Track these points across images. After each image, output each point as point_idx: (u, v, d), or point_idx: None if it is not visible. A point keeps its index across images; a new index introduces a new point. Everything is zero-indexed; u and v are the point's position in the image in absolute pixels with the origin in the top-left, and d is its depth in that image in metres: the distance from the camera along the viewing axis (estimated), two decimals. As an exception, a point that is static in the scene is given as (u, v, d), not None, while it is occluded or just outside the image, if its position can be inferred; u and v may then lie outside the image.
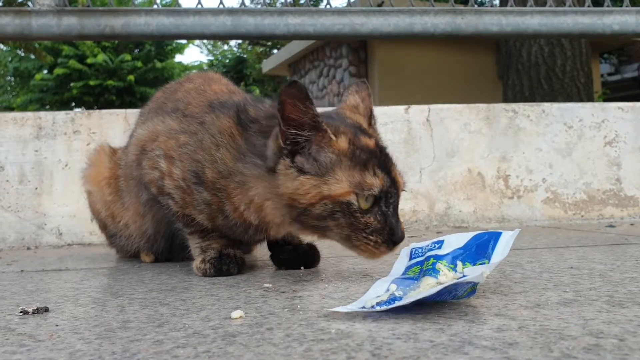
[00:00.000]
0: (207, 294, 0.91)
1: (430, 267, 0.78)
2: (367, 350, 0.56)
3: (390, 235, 0.93)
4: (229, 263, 1.09)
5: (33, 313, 0.80)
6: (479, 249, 0.80)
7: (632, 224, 2.03)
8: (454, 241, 0.82)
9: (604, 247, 1.37)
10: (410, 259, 0.85)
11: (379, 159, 0.94)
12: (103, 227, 1.41)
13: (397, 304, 0.70)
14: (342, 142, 0.94)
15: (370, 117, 1.08)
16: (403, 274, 0.82)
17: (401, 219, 0.97)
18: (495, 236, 0.80)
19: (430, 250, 0.83)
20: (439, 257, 0.80)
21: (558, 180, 2.20)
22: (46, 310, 0.81)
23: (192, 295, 0.91)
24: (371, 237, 0.93)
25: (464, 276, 0.74)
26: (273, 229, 1.06)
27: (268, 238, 1.16)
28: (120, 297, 0.92)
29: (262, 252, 1.50)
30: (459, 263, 0.78)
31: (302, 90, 0.90)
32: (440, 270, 0.77)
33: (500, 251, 0.78)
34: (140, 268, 1.28)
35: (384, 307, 0.70)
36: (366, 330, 0.64)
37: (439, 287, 0.70)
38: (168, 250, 1.33)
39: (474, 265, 0.77)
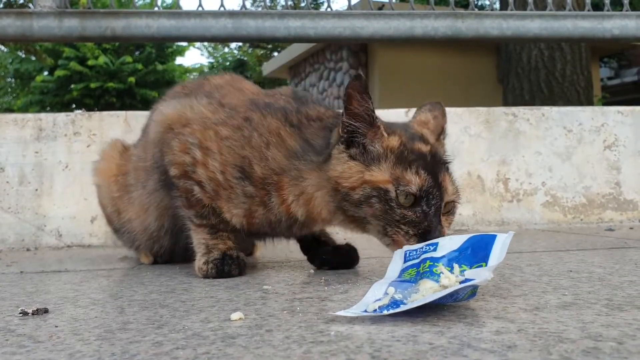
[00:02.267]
0: (206, 296, 0.91)
1: (428, 269, 0.78)
2: (366, 353, 0.56)
3: (425, 232, 0.94)
4: (231, 264, 1.09)
5: (33, 314, 0.80)
6: (474, 251, 0.80)
7: (631, 228, 2.03)
8: (449, 243, 0.82)
9: (603, 250, 1.37)
10: (405, 261, 0.84)
11: (426, 162, 0.97)
12: (110, 221, 1.43)
13: (402, 308, 0.70)
14: (393, 141, 0.98)
15: (441, 133, 1.11)
16: (399, 276, 0.82)
17: (448, 227, 0.98)
18: (490, 239, 0.80)
19: (425, 252, 0.82)
20: (435, 260, 0.80)
21: (558, 183, 2.20)
22: (46, 311, 0.81)
23: (192, 297, 0.91)
24: (403, 227, 0.95)
25: (466, 280, 0.73)
26: (313, 224, 1.09)
27: (299, 234, 1.18)
28: (120, 298, 0.92)
29: (262, 253, 1.51)
30: (455, 266, 0.78)
31: (364, 84, 0.97)
32: (442, 273, 0.76)
33: (497, 254, 0.78)
34: (139, 270, 1.28)
35: (388, 311, 0.70)
36: (365, 332, 0.64)
37: (445, 292, 0.70)
38: (171, 249, 1.32)
39: (471, 268, 0.77)
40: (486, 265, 0.77)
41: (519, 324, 0.65)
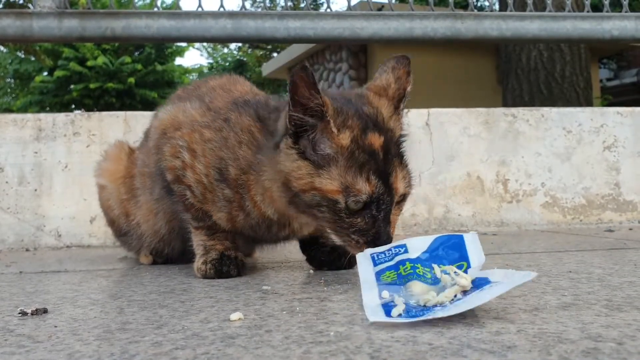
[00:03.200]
0: (206, 296, 0.91)
1: (411, 271, 0.78)
2: (365, 353, 0.56)
3: (374, 238, 0.92)
4: (229, 264, 1.09)
5: (32, 314, 0.80)
6: (446, 251, 0.80)
7: (630, 229, 2.03)
8: (417, 244, 0.82)
9: (603, 251, 1.37)
10: (375, 264, 0.83)
11: (378, 163, 0.92)
12: (112, 223, 1.41)
13: (439, 314, 0.67)
14: (344, 139, 0.92)
15: (401, 99, 1.00)
16: (378, 280, 0.81)
17: (395, 224, 0.96)
18: (458, 239, 0.81)
19: (397, 255, 0.82)
20: (413, 261, 0.79)
21: (557, 184, 2.20)
22: (45, 311, 0.81)
23: (191, 297, 0.91)
24: (353, 237, 0.93)
25: (483, 280, 0.73)
26: (290, 222, 1.07)
27: (293, 236, 1.16)
28: (119, 298, 0.92)
29: (261, 254, 1.51)
30: (435, 266, 0.78)
31: (310, 76, 0.90)
32: (448, 274, 0.76)
33: (476, 254, 0.78)
34: (139, 270, 1.28)
35: (420, 318, 0.67)
36: (365, 332, 0.64)
37: (481, 292, 0.69)
38: (181, 251, 1.31)
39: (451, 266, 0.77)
40: (468, 266, 0.77)
41: (518, 325, 0.65)
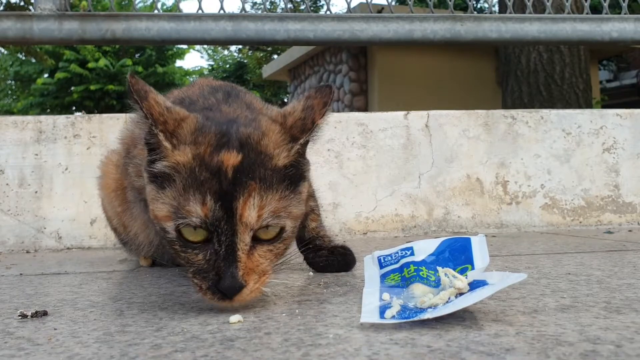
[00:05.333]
0: (205, 299, 0.91)
1: (415, 273, 0.78)
2: (364, 355, 0.57)
3: (216, 282, 0.74)
4: None
5: (32, 317, 0.80)
6: (453, 254, 0.80)
7: (630, 230, 2.03)
8: (424, 247, 0.82)
9: (602, 253, 1.38)
10: (381, 267, 0.83)
11: (221, 183, 0.74)
12: (115, 231, 1.40)
13: (427, 315, 0.67)
14: (182, 155, 0.76)
15: (304, 130, 0.81)
16: (382, 282, 0.81)
17: (269, 260, 0.78)
18: (465, 241, 0.81)
19: (403, 257, 0.82)
20: (417, 264, 0.80)
21: (556, 186, 2.20)
22: (45, 314, 0.81)
23: (191, 299, 0.91)
24: (195, 280, 0.77)
25: (481, 282, 0.73)
26: None
27: None
28: (119, 301, 0.92)
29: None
30: (439, 268, 0.78)
31: (136, 91, 0.77)
32: (448, 276, 0.76)
33: (480, 256, 0.78)
34: (139, 272, 1.28)
35: (411, 319, 0.67)
36: (364, 335, 0.65)
37: (471, 294, 0.69)
38: (174, 261, 1.31)
39: (455, 269, 0.77)
40: (473, 268, 0.77)
41: (517, 327, 0.66)
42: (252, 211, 0.74)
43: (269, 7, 8.36)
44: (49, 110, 10.50)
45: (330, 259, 1.15)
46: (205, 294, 0.76)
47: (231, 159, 0.76)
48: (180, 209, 0.74)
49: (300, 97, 0.88)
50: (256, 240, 0.77)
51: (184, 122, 0.79)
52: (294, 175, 0.81)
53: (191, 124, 0.79)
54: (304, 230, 1.17)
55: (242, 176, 0.75)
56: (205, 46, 14.16)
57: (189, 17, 2.06)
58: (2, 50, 10.76)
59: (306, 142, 0.83)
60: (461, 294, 0.72)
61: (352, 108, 7.43)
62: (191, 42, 2.15)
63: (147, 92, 0.78)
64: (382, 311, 0.70)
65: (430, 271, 0.78)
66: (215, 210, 0.73)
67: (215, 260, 0.74)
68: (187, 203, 0.74)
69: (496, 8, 6.36)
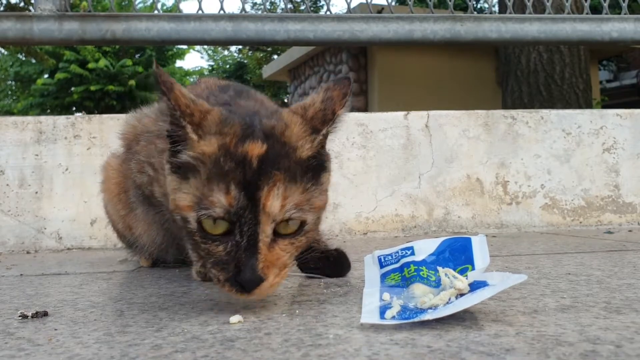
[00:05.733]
0: (205, 299, 0.91)
1: (415, 273, 0.78)
2: (364, 356, 0.57)
3: (235, 274, 0.73)
4: None
5: (32, 317, 0.80)
6: (453, 254, 0.80)
7: (630, 231, 2.03)
8: (424, 247, 0.82)
9: (602, 253, 1.38)
10: (382, 266, 0.83)
11: (245, 172, 0.73)
12: (121, 237, 1.38)
13: (428, 316, 0.67)
14: (208, 145, 0.76)
15: (325, 122, 0.81)
16: (382, 282, 0.81)
17: (283, 261, 0.76)
18: (466, 241, 0.81)
19: (403, 257, 0.81)
20: (418, 264, 0.80)
21: (556, 186, 2.20)
22: (45, 314, 0.82)
23: (191, 299, 0.91)
24: (213, 271, 0.76)
25: (481, 283, 0.73)
26: None
27: None
28: (120, 301, 0.92)
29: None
30: (440, 268, 0.78)
31: (163, 82, 0.76)
32: (448, 276, 0.76)
33: (480, 256, 0.78)
34: (139, 272, 1.29)
35: (411, 320, 0.67)
36: (364, 335, 0.65)
37: (472, 296, 0.69)
38: (177, 260, 1.29)
39: (455, 270, 0.77)
40: (473, 269, 0.77)
41: (517, 327, 0.66)
42: (275, 201, 0.73)
43: (269, 7, 8.37)
44: (49, 111, 10.50)
45: (322, 263, 1.08)
46: (224, 286, 0.75)
47: (256, 149, 0.75)
48: (203, 199, 0.73)
49: (318, 89, 0.87)
50: (277, 234, 0.76)
51: (209, 114, 0.78)
52: (317, 166, 0.80)
53: (216, 116, 0.78)
54: None
55: (267, 166, 0.74)
56: (205, 46, 14.16)
57: (189, 17, 2.06)
58: (2, 50, 10.77)
59: (327, 133, 0.82)
60: (461, 294, 0.72)
61: (352, 108, 7.42)
62: (191, 42, 2.15)
63: (173, 83, 0.77)
64: (382, 311, 0.70)
65: (430, 271, 0.78)
66: (239, 199, 0.72)
67: (236, 251, 0.73)
68: (211, 193, 0.73)
69: (496, 8, 6.36)
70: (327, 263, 1.08)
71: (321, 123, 0.81)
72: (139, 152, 1.07)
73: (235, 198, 0.72)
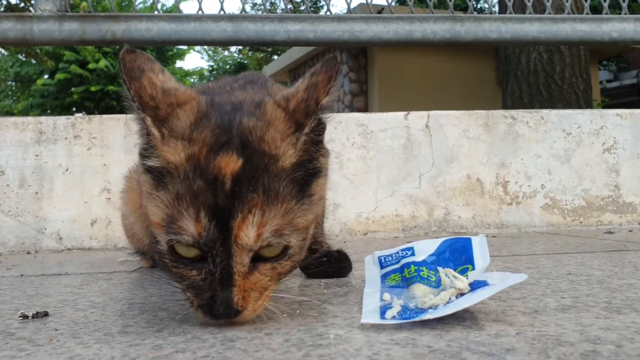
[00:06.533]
0: (206, 299, 0.91)
1: (415, 274, 0.78)
2: (365, 356, 0.57)
3: (208, 304, 0.68)
4: None
5: (33, 317, 0.80)
6: (453, 254, 0.80)
7: (630, 231, 2.03)
8: (425, 247, 0.82)
9: (603, 253, 1.38)
10: (382, 267, 0.83)
11: (217, 197, 0.65)
12: (139, 251, 1.31)
13: (428, 316, 0.67)
14: (173, 154, 0.68)
15: (309, 115, 0.70)
16: (383, 283, 0.81)
17: (274, 280, 0.72)
18: (466, 242, 0.81)
19: (404, 257, 0.82)
20: (418, 264, 0.80)
21: (557, 186, 2.20)
22: (46, 314, 0.82)
23: (192, 300, 0.91)
24: (188, 294, 0.71)
25: (482, 282, 0.73)
26: None
27: None
28: (120, 301, 0.92)
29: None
30: (440, 268, 0.78)
31: (129, 61, 0.70)
32: (448, 277, 0.76)
33: (481, 257, 0.78)
34: (139, 273, 1.29)
35: (412, 319, 0.67)
36: (364, 335, 0.65)
37: (472, 295, 0.69)
38: None
39: (455, 270, 0.78)
40: (473, 269, 0.77)
41: (517, 327, 0.66)
42: (250, 231, 0.65)
43: (269, 7, 8.37)
44: (49, 111, 10.51)
45: (323, 264, 1.07)
46: (197, 311, 0.70)
47: (230, 164, 0.66)
48: (172, 222, 0.66)
49: (310, 71, 0.75)
50: (258, 258, 0.69)
51: (181, 108, 0.70)
52: (303, 176, 0.71)
53: (190, 112, 0.70)
54: None
55: (242, 187, 0.66)
56: (205, 47, 14.16)
57: (189, 18, 2.06)
58: (2, 51, 10.77)
59: (314, 128, 0.71)
60: (462, 294, 0.72)
61: (352, 108, 7.43)
62: (191, 42, 2.15)
63: (144, 71, 0.70)
64: (382, 311, 0.70)
65: (430, 271, 0.78)
66: (209, 229, 0.65)
67: (211, 281, 0.67)
68: (180, 217, 0.66)
69: (496, 8, 6.36)
70: (328, 264, 1.08)
71: (304, 116, 0.71)
72: None
73: (205, 228, 0.65)
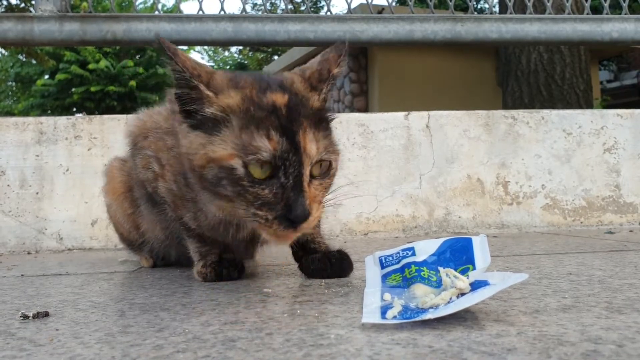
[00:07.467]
0: (207, 299, 0.91)
1: (416, 274, 0.78)
2: (366, 356, 0.57)
3: (285, 211, 0.79)
4: (229, 267, 1.09)
5: (33, 317, 0.80)
6: (454, 254, 0.80)
7: (631, 231, 2.03)
8: (426, 247, 0.82)
9: (603, 253, 1.37)
10: (382, 267, 0.83)
11: (280, 119, 0.80)
12: (124, 239, 1.37)
13: (429, 315, 0.67)
14: (231, 98, 0.83)
15: (322, 80, 0.89)
16: (383, 283, 0.81)
17: (320, 199, 0.84)
18: (466, 242, 0.81)
19: (404, 257, 0.82)
20: (419, 264, 0.80)
21: (557, 186, 2.20)
22: (46, 314, 0.82)
23: (192, 300, 0.91)
24: (259, 212, 0.80)
25: (482, 282, 0.73)
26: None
27: (256, 238, 1.07)
28: (121, 301, 0.92)
29: (262, 257, 1.51)
30: (440, 268, 0.78)
31: (168, 47, 0.84)
32: (449, 276, 0.76)
33: (481, 257, 0.78)
34: (140, 273, 1.29)
35: (413, 319, 0.67)
36: (365, 335, 0.65)
37: (473, 295, 0.70)
38: (180, 256, 1.28)
39: (456, 270, 0.77)
40: (474, 269, 0.77)
41: (518, 327, 0.66)
42: (312, 144, 0.81)
43: (269, 8, 8.37)
44: (49, 112, 10.51)
45: (323, 264, 1.07)
46: (271, 225, 0.80)
47: (280, 98, 0.82)
48: (247, 146, 0.78)
49: (322, 54, 0.96)
50: (310, 175, 0.83)
51: (214, 74, 0.86)
52: (327, 118, 0.88)
53: (222, 76, 0.86)
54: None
55: (294, 113, 0.81)
56: (205, 47, 14.17)
57: (189, 18, 2.06)
58: (3, 51, 10.78)
59: (328, 91, 0.89)
60: (463, 294, 0.72)
61: (352, 109, 7.43)
62: (192, 43, 2.15)
63: (177, 49, 0.84)
64: (383, 311, 0.70)
65: (431, 271, 0.78)
66: (282, 143, 0.78)
67: (282, 192, 0.79)
68: (253, 139, 0.78)
69: (496, 8, 6.36)
70: (329, 264, 1.08)
71: (318, 81, 0.89)
72: (145, 148, 1.07)
73: (279, 142, 0.78)
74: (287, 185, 0.79)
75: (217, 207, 0.91)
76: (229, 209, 0.88)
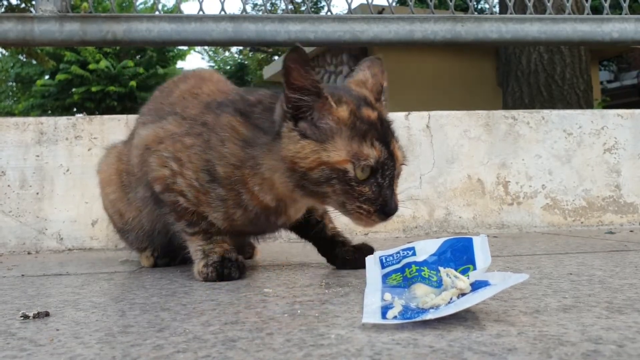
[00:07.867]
0: (207, 299, 0.91)
1: (416, 274, 0.78)
2: (366, 356, 0.57)
3: (382, 206, 0.98)
4: (231, 267, 1.09)
5: (34, 317, 0.80)
6: (454, 254, 0.80)
7: (631, 231, 2.03)
8: (426, 247, 0.82)
9: (603, 253, 1.37)
10: (383, 267, 0.84)
11: (378, 131, 0.98)
12: (113, 223, 1.44)
13: (429, 315, 0.67)
14: (343, 112, 0.98)
15: (380, 92, 1.10)
16: (384, 283, 0.81)
17: (397, 193, 1.02)
18: (467, 242, 0.81)
19: (405, 257, 0.82)
20: (419, 264, 0.80)
21: (557, 186, 2.20)
22: (47, 314, 0.82)
23: (193, 300, 0.91)
24: (364, 206, 0.98)
25: (483, 282, 0.73)
26: (287, 208, 1.11)
27: (288, 223, 1.19)
28: (121, 301, 0.92)
29: (263, 257, 1.51)
30: (441, 268, 0.78)
31: (303, 56, 0.96)
32: (449, 276, 0.76)
33: (482, 257, 0.78)
34: (140, 273, 1.29)
35: (413, 319, 0.67)
36: (366, 335, 0.64)
37: (473, 295, 0.69)
38: (166, 246, 1.33)
39: (456, 270, 0.77)
40: (474, 269, 0.77)
41: (519, 327, 0.66)
42: (399, 152, 1.01)
43: (269, 8, 8.38)
44: (49, 112, 10.51)
45: (357, 254, 1.21)
46: (371, 216, 0.98)
47: (372, 114, 1.00)
48: (358, 154, 0.95)
49: (358, 67, 1.14)
50: None
51: (323, 84, 1.01)
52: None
53: (325, 86, 1.00)
54: (326, 229, 1.26)
55: (385, 126, 1.01)
56: (206, 47, 14.17)
57: (189, 18, 2.06)
58: (3, 51, 10.78)
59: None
60: (463, 294, 0.72)
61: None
62: (192, 43, 2.15)
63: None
64: (384, 311, 0.70)
65: (432, 271, 0.78)
66: (383, 152, 0.97)
67: (380, 190, 0.97)
68: (363, 148, 0.96)
69: (497, 9, 6.36)
70: (362, 256, 1.13)
71: (378, 93, 1.09)
72: (160, 150, 1.15)
73: (381, 151, 0.97)
74: (384, 185, 0.97)
75: (285, 200, 1.08)
76: (318, 203, 1.07)
